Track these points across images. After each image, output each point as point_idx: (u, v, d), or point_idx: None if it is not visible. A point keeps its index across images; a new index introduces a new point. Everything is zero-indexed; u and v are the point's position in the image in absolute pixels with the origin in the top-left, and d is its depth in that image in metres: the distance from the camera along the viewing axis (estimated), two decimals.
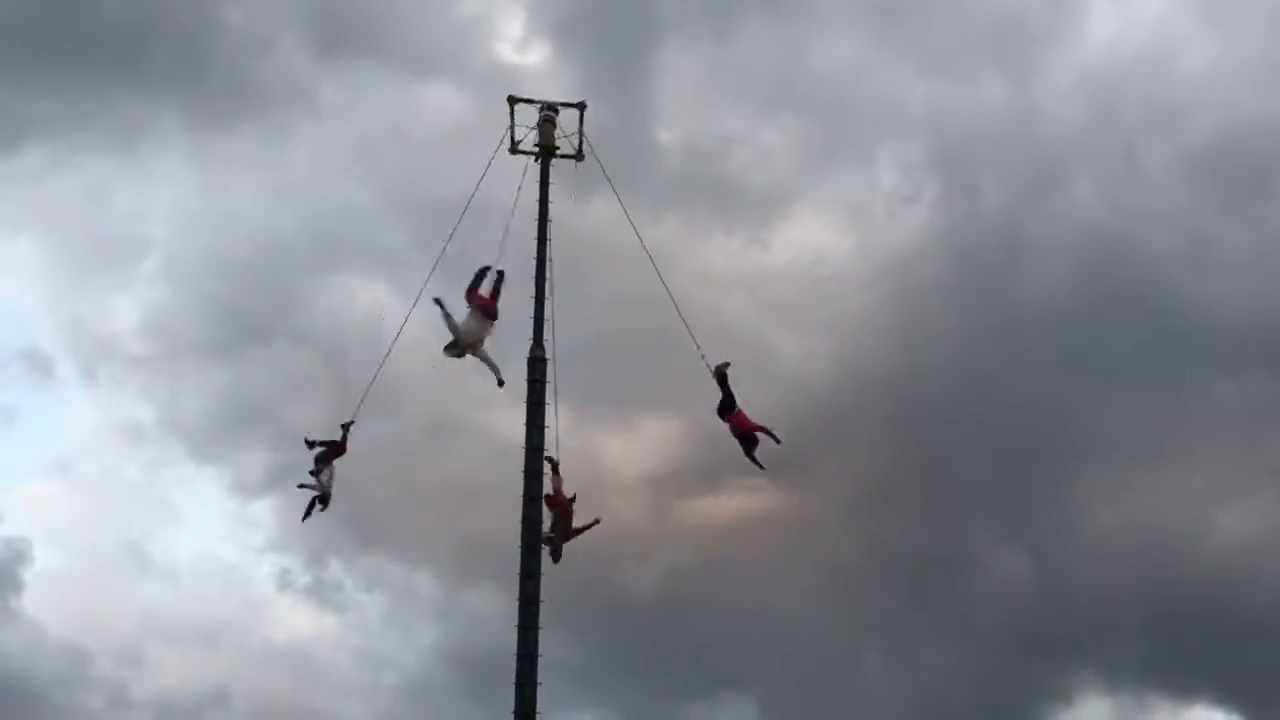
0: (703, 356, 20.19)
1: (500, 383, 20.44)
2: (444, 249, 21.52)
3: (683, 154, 41.32)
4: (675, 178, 40.59)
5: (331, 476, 21.32)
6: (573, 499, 20.47)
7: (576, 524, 20.29)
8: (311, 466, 21.29)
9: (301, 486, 21.27)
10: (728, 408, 19.85)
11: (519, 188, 21.54)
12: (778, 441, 19.66)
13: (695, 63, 44.06)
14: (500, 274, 20.98)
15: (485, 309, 20.59)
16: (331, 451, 21.32)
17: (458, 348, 20.28)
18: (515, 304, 21.18)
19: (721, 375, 19.97)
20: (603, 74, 40.66)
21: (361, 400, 21.30)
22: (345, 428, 21.39)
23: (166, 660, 39.72)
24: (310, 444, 21.32)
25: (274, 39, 44.22)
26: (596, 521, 20.52)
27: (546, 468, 20.25)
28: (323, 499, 21.25)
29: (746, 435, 19.69)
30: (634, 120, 38.20)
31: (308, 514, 21.39)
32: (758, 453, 19.82)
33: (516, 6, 46.74)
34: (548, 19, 43.08)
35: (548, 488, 20.26)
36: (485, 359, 20.53)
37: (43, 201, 46.52)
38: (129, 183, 47.68)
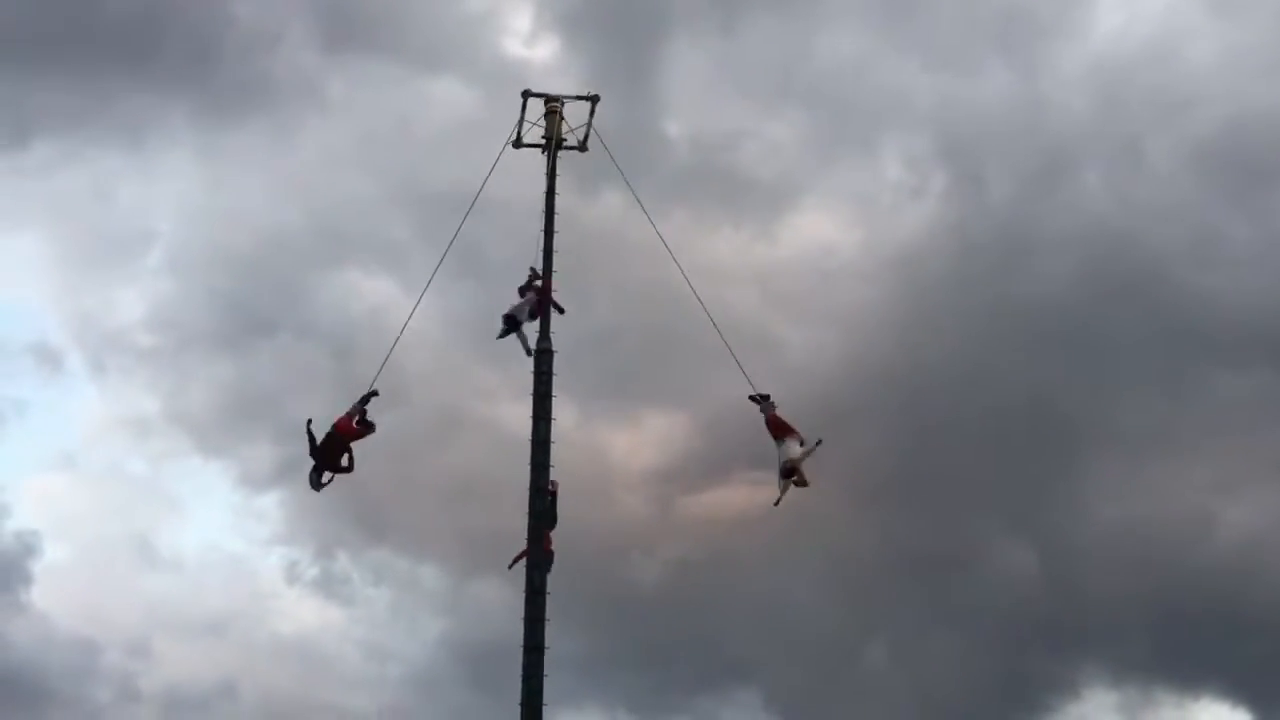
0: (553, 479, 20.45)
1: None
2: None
3: (691, 147, 41.40)
4: (683, 171, 40.71)
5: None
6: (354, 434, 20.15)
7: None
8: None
9: None
10: (548, 524, 20.49)
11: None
12: (548, 568, 20.24)
13: (703, 56, 44.16)
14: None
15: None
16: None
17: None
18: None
19: (553, 493, 20.49)
20: (611, 68, 40.74)
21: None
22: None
23: (174, 652, 39.84)
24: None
25: (282, 34, 44.41)
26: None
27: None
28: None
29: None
30: (642, 114, 38.31)
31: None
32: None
33: (525, 1, 46.80)
34: (556, 13, 43.24)
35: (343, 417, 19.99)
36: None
37: (50, 196, 46.76)
38: (136, 177, 47.85)
